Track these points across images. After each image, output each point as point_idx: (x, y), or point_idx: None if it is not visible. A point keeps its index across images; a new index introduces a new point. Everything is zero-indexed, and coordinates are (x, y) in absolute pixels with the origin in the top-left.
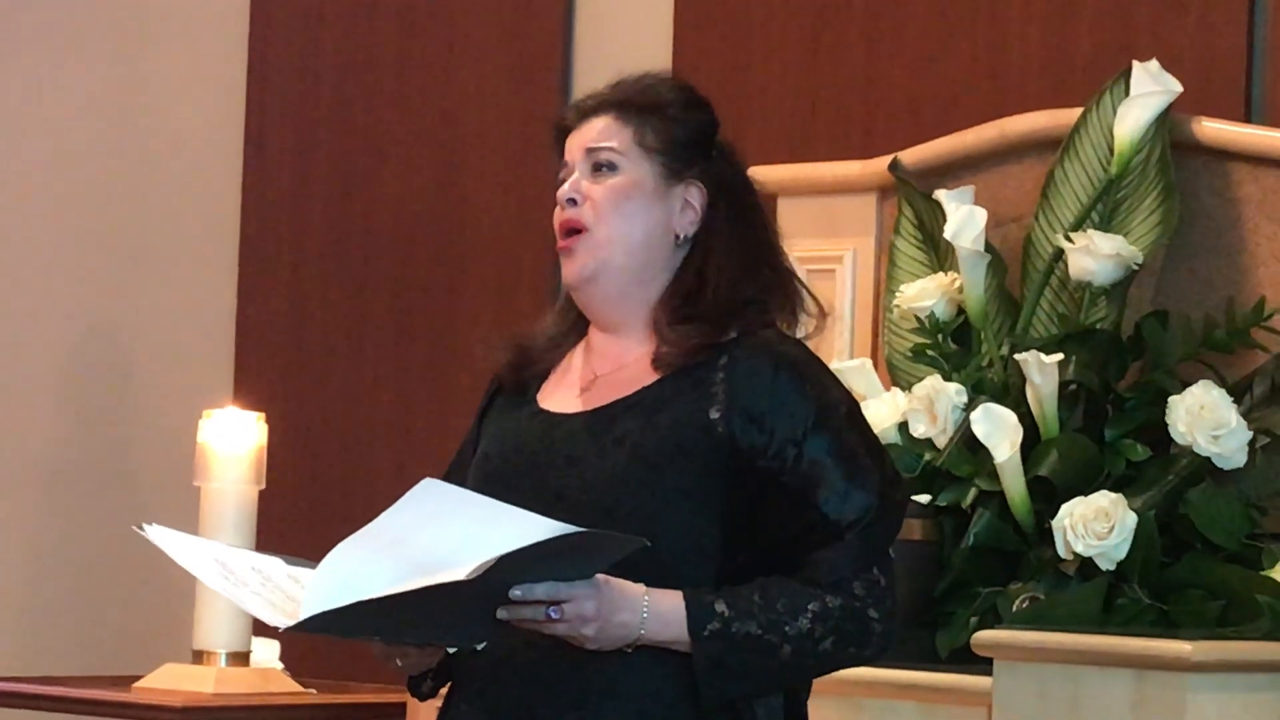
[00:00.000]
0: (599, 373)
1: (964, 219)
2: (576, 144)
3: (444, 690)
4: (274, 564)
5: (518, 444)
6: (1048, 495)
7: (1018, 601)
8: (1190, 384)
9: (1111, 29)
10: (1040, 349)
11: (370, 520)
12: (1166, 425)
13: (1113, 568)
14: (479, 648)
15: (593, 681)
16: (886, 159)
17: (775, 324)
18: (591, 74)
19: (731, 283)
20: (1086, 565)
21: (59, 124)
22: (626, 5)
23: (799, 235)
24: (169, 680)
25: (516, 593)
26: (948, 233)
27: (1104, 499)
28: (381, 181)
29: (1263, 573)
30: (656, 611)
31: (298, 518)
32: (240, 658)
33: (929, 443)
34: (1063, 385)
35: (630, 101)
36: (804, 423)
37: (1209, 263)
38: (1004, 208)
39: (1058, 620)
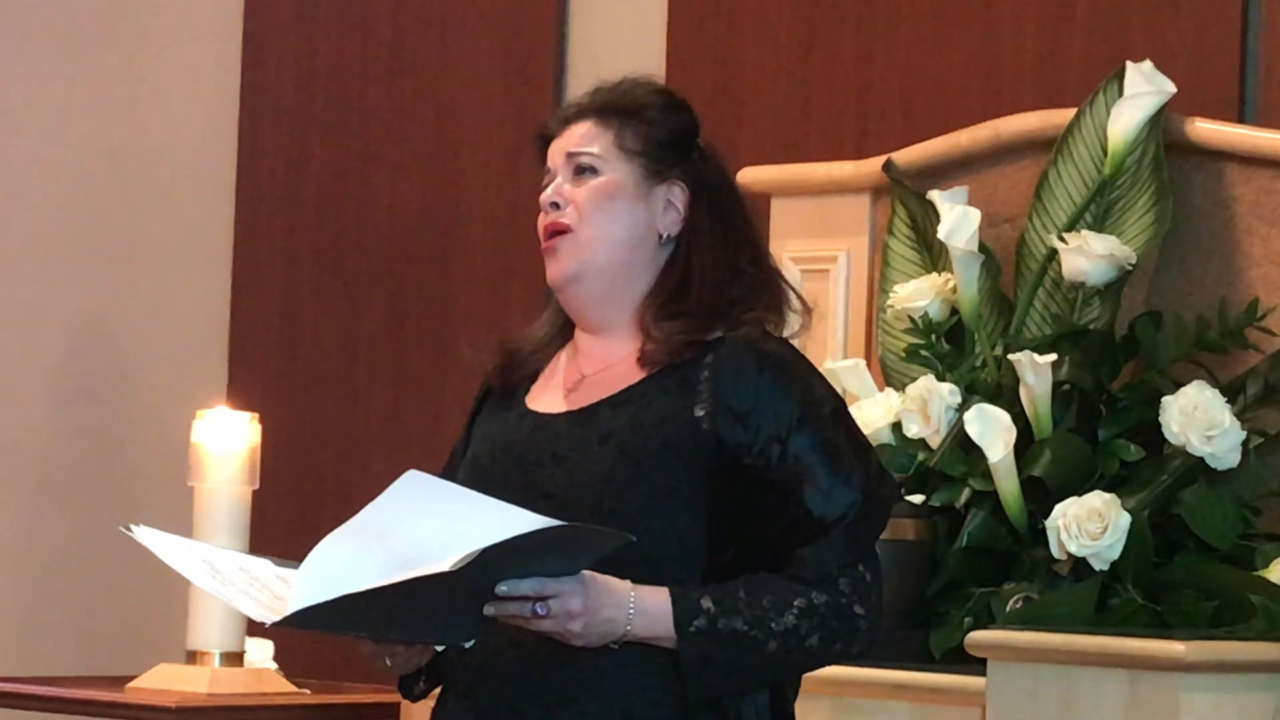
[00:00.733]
0: (585, 373)
1: (958, 219)
2: (558, 150)
3: (436, 691)
4: (262, 565)
5: (505, 444)
6: (1041, 495)
7: (1011, 602)
8: (1184, 384)
9: (1105, 29)
10: (1034, 349)
11: None
12: (1160, 425)
13: (1106, 568)
14: (466, 646)
15: (578, 679)
16: (880, 159)
17: (761, 322)
18: (585, 77)
19: (716, 281)
20: (1080, 565)
21: (54, 126)
22: (620, 7)
23: (793, 236)
24: (163, 680)
25: (503, 588)
26: (941, 233)
27: (1097, 499)
28: (375, 183)
29: (1256, 573)
30: (642, 608)
31: (291, 518)
32: (234, 658)
33: (922, 443)
34: (1056, 385)
35: (609, 106)
36: (789, 420)
37: (1202, 263)
38: (997, 208)
39: (1051, 620)
